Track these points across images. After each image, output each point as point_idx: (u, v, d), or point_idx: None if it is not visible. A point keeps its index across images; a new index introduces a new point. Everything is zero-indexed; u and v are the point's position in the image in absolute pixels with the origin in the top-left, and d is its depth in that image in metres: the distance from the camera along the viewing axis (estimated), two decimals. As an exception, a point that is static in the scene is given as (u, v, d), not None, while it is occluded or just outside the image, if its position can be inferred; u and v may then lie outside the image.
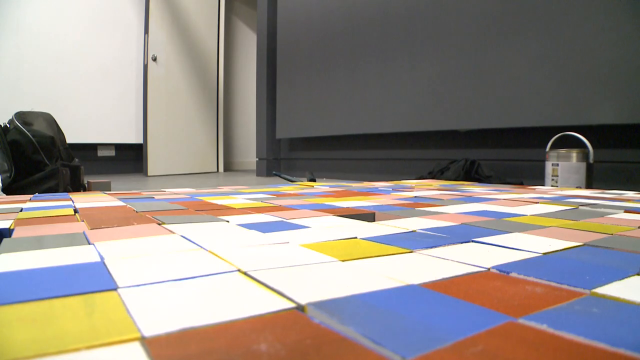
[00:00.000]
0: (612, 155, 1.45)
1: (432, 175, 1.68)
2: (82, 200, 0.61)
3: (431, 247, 0.32)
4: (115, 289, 0.21)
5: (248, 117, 4.22)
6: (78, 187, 1.41)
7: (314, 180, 1.82)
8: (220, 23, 3.74)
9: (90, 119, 3.22)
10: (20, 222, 0.42)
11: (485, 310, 0.19)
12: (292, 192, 0.78)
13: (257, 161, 3.03)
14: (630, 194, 0.81)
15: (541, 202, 0.63)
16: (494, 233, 0.37)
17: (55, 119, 1.51)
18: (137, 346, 0.15)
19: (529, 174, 1.66)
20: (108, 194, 0.72)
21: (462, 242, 0.34)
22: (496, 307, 0.19)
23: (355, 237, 0.35)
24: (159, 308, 0.19)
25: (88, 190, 1.38)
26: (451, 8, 1.75)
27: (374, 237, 0.35)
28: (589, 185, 1.27)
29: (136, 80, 3.42)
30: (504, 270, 0.26)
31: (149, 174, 3.14)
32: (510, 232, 0.38)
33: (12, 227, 0.39)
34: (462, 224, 0.43)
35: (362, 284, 0.23)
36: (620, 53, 1.34)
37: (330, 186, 0.92)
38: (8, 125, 1.32)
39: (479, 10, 1.67)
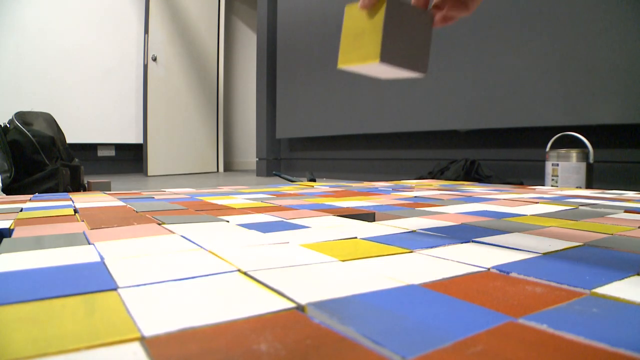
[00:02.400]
0: (612, 155, 1.45)
1: (432, 175, 1.68)
2: (82, 200, 0.62)
3: (431, 247, 0.32)
4: (115, 289, 0.21)
5: (248, 117, 4.22)
6: (78, 187, 1.41)
7: (314, 180, 1.82)
8: (220, 23, 3.74)
9: (90, 119, 3.23)
10: (20, 222, 0.42)
11: (485, 310, 0.19)
12: (292, 192, 0.78)
13: (257, 161, 3.03)
14: (630, 194, 0.81)
15: (541, 202, 0.63)
16: (494, 233, 0.37)
17: (55, 119, 1.51)
18: (137, 346, 0.15)
19: (529, 174, 1.66)
20: (108, 194, 0.72)
21: (462, 242, 0.34)
22: (496, 307, 0.19)
23: (355, 237, 0.35)
24: (159, 308, 0.19)
25: (88, 190, 1.38)
26: (451, 8, 1.75)
27: (374, 237, 0.35)
28: (589, 185, 1.27)
29: (136, 80, 3.42)
30: (504, 270, 0.26)
31: (149, 174, 3.14)
32: (510, 232, 0.38)
33: (12, 227, 0.39)
34: (462, 224, 0.43)
35: (362, 284, 0.23)
36: (620, 53, 1.34)
37: (330, 186, 0.92)
38: (8, 125, 1.32)
39: (478, 10, 1.67)
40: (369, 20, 0.37)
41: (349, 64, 0.39)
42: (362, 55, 0.38)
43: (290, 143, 2.95)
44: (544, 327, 0.17)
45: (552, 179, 1.32)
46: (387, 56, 0.36)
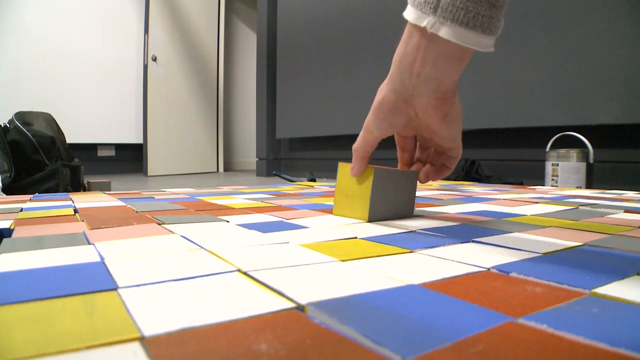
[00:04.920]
0: (612, 155, 1.45)
1: (432, 175, 1.68)
2: (82, 200, 0.62)
3: (431, 247, 0.32)
4: (115, 289, 0.21)
5: (248, 117, 4.22)
6: (78, 187, 1.41)
7: (314, 180, 1.82)
8: (220, 23, 3.74)
9: (90, 119, 3.23)
10: (20, 222, 0.42)
11: (485, 310, 0.19)
12: (292, 192, 0.78)
13: (257, 161, 3.03)
14: (630, 194, 0.81)
15: (541, 202, 0.63)
16: (494, 233, 0.37)
17: (55, 119, 1.51)
18: (137, 346, 0.15)
19: (529, 174, 1.66)
20: (108, 194, 0.72)
21: (462, 242, 0.34)
22: (496, 307, 0.19)
23: (355, 237, 0.35)
24: (159, 308, 0.19)
25: (88, 190, 1.38)
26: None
27: (374, 237, 0.35)
28: (589, 185, 1.27)
29: (136, 80, 3.42)
30: (504, 270, 0.26)
31: (149, 174, 3.14)
32: (510, 232, 0.38)
33: (12, 227, 0.39)
34: (462, 224, 0.43)
35: (362, 284, 0.23)
36: (620, 53, 1.34)
37: (330, 186, 0.92)
38: (8, 125, 1.32)
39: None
40: (359, 185, 0.44)
41: (342, 215, 0.46)
42: (353, 214, 0.45)
43: (290, 143, 2.95)
44: (544, 327, 0.17)
45: (552, 179, 1.32)
46: (374, 217, 0.43)
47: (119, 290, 0.21)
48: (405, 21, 0.35)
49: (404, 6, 0.35)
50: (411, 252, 0.30)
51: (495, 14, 0.32)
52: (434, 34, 0.32)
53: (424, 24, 0.32)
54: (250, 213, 0.49)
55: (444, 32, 0.31)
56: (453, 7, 0.30)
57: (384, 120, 0.39)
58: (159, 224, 0.41)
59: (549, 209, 0.55)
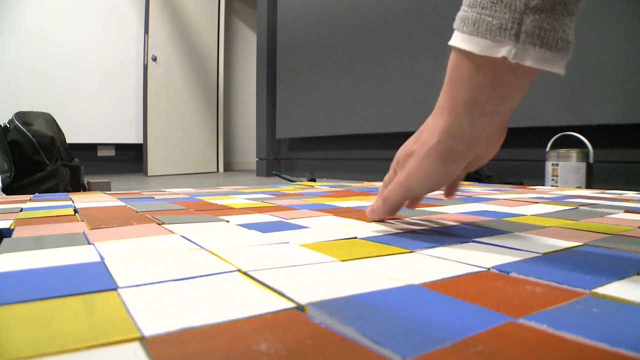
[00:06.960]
0: (612, 155, 1.45)
1: (432, 175, 1.68)
2: (82, 200, 0.61)
3: (431, 247, 0.32)
4: (115, 289, 0.21)
5: (248, 117, 4.22)
6: (78, 187, 1.41)
7: (314, 180, 1.82)
8: (220, 23, 3.74)
9: (90, 119, 3.23)
10: (20, 222, 0.42)
11: (485, 310, 0.19)
12: (292, 192, 0.78)
13: (257, 161, 3.03)
14: (630, 194, 0.81)
15: (541, 202, 0.63)
16: (494, 233, 0.37)
17: (55, 119, 1.51)
18: (137, 346, 0.15)
19: (529, 174, 1.66)
20: (108, 194, 0.72)
21: (462, 242, 0.34)
22: (496, 307, 0.19)
23: (355, 237, 0.35)
24: (159, 308, 0.19)
25: (88, 190, 1.38)
26: (450, 8, 1.75)
27: (374, 237, 0.35)
28: (589, 185, 1.27)
29: (136, 80, 3.42)
30: (504, 270, 0.26)
31: (149, 174, 3.14)
32: (510, 232, 0.38)
33: (12, 227, 0.39)
34: (462, 224, 0.43)
35: (362, 284, 0.23)
36: (620, 53, 1.34)
37: (330, 186, 0.92)
38: (8, 125, 1.32)
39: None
40: None
41: None
42: None
43: (290, 143, 2.95)
44: (544, 327, 0.17)
45: (552, 179, 1.32)
46: None
47: (119, 290, 0.21)
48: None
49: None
50: (411, 252, 0.30)
51: (573, 29, 0.28)
52: (517, 65, 0.27)
53: (501, 53, 0.27)
54: (250, 213, 0.49)
55: (531, 61, 0.26)
56: (540, 30, 0.26)
57: (445, 174, 0.33)
58: (159, 224, 0.41)
59: (549, 209, 0.55)
